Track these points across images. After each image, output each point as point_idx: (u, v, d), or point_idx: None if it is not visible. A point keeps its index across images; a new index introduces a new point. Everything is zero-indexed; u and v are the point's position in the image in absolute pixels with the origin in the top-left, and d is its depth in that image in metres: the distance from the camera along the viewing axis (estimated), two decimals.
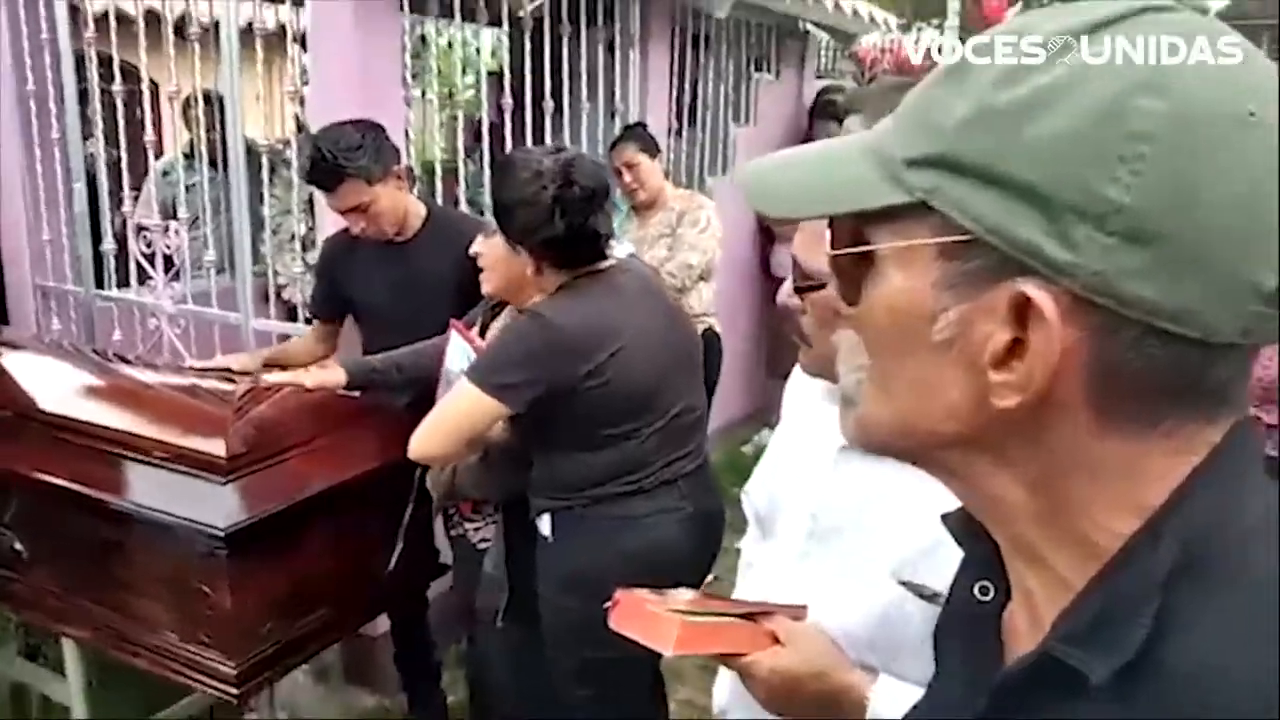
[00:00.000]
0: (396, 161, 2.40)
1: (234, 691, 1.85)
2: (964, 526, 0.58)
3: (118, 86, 3.10)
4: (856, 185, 0.50)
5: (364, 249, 2.45)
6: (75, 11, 3.17)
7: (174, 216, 3.14)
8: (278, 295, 3.18)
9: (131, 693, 2.38)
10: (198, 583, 1.84)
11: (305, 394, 2.27)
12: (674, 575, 1.78)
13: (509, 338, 1.86)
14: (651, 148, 3.56)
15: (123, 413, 2.17)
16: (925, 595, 0.94)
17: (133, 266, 3.19)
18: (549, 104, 3.43)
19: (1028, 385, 0.46)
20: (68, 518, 2.04)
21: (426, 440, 1.86)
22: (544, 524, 1.94)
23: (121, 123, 3.11)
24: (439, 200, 3.19)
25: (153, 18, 3.07)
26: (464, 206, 3.21)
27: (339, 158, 2.27)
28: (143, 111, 3.47)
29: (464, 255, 2.41)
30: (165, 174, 3.53)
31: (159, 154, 3.37)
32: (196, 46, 2.93)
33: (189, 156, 3.71)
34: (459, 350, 2.08)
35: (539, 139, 3.42)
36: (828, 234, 0.53)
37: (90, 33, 3.12)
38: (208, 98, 3.50)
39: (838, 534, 1.05)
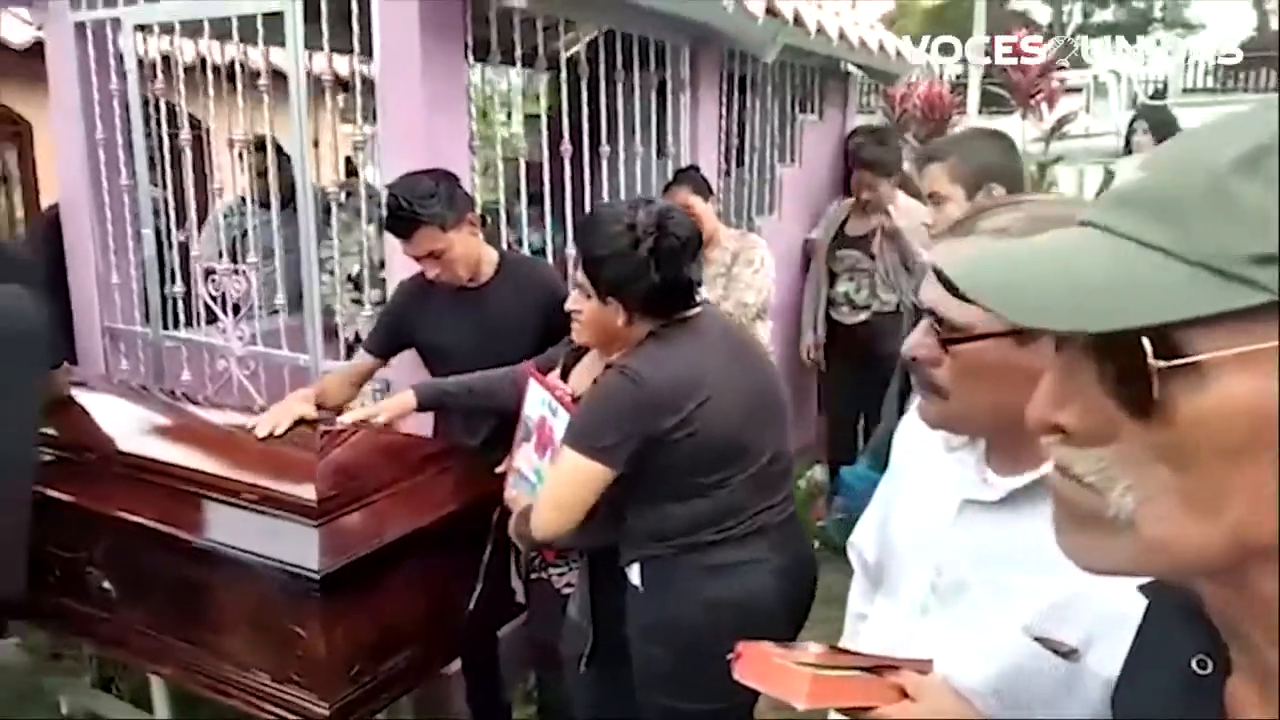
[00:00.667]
0: (470, 208, 2.47)
1: None
2: (1178, 602, 0.58)
3: (185, 134, 3.19)
4: (1156, 290, 0.46)
5: (438, 294, 2.51)
6: (141, 64, 3.27)
7: (235, 258, 3.22)
8: (336, 334, 3.24)
9: None
10: (290, 623, 1.87)
11: (382, 435, 2.33)
12: (767, 625, 1.79)
13: (600, 397, 1.85)
14: (704, 190, 3.61)
15: (206, 455, 2.23)
16: (1061, 652, 0.95)
17: (198, 307, 3.27)
18: (605, 148, 3.51)
19: None
20: (156, 558, 2.09)
21: (549, 521, 1.83)
22: (634, 573, 1.93)
23: (188, 169, 3.20)
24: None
25: (215, 67, 3.23)
26: (516, 248, 3.27)
27: (414, 205, 2.34)
28: (205, 157, 3.56)
29: (538, 299, 2.47)
30: (226, 216, 3.60)
31: (219, 197, 3.46)
32: (266, 96, 3.02)
33: (254, 201, 3.80)
34: (537, 398, 2.09)
35: (594, 181, 3.47)
36: (1146, 344, 0.47)
37: (159, 84, 3.22)
38: (261, 143, 3.59)
39: (963, 589, 1.06)
